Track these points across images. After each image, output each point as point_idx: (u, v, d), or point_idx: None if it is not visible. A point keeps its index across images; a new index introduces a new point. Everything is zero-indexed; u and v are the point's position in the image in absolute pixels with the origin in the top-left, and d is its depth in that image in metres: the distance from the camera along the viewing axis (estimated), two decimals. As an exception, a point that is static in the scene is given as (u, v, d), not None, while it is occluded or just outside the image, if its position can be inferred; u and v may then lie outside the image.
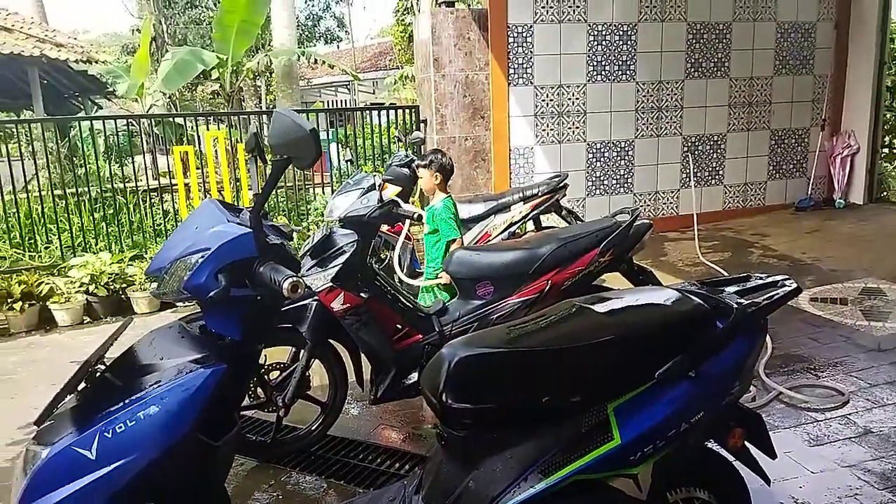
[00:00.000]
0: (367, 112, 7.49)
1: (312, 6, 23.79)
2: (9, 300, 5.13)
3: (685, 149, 7.37)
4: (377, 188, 2.91)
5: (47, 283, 5.40)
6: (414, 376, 3.06)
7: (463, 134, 6.52)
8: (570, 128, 6.87)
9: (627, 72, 6.97)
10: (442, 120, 6.43)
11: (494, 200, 4.86)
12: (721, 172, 7.58)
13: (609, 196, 7.14)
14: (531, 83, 6.64)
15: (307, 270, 2.95)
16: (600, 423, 1.61)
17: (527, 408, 1.63)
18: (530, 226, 5.05)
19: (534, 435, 1.62)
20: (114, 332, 1.55)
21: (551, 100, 6.75)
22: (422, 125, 6.65)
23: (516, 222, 4.76)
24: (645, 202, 7.30)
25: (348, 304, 2.88)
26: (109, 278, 5.48)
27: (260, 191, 1.44)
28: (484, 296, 3.04)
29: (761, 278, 1.98)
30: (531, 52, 6.59)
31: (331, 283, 2.86)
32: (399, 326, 3.03)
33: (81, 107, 13.72)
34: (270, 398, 3.00)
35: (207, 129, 7.83)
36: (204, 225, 1.45)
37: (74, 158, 8.70)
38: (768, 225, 7.37)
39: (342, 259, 2.88)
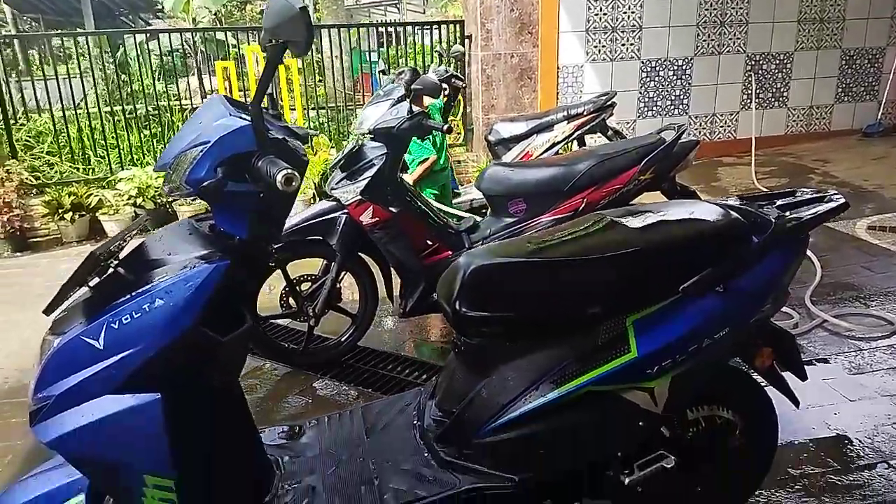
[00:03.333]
0: (410, 29, 7.24)
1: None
2: (59, 211, 5.30)
3: (748, 68, 6.93)
4: (408, 99, 2.82)
5: (96, 195, 5.54)
6: (444, 292, 3.05)
7: (509, 50, 6.27)
8: (623, 44, 6.53)
9: (689, -17, 6.51)
10: (487, 35, 6.19)
11: (537, 119, 4.69)
12: (785, 94, 7.14)
13: (662, 118, 6.83)
14: (583, -5, 6.29)
15: (336, 183, 2.92)
16: (618, 336, 1.55)
17: (543, 319, 1.59)
18: (574, 147, 4.89)
19: (548, 345, 1.58)
20: (126, 229, 1.55)
21: (605, 14, 6.39)
22: (466, 41, 6.42)
23: (559, 142, 4.59)
24: (701, 125, 6.97)
25: (377, 218, 2.85)
26: (156, 191, 5.59)
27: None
28: (516, 213, 2.96)
29: (807, 192, 1.85)
30: (584, -39, 6.21)
31: (360, 196, 2.83)
32: (429, 242, 2.99)
33: (132, 24, 13.77)
34: (302, 308, 3.04)
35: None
36: (208, 119, 1.41)
37: (124, 76, 8.78)
38: (832, 151, 6.97)
39: (371, 172, 2.83)
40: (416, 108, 2.80)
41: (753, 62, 6.94)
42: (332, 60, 9.01)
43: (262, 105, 1.42)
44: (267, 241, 1.55)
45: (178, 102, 7.38)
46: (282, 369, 3.14)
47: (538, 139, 4.65)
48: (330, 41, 9.45)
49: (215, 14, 9.31)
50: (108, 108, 6.79)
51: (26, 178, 5.65)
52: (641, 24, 6.52)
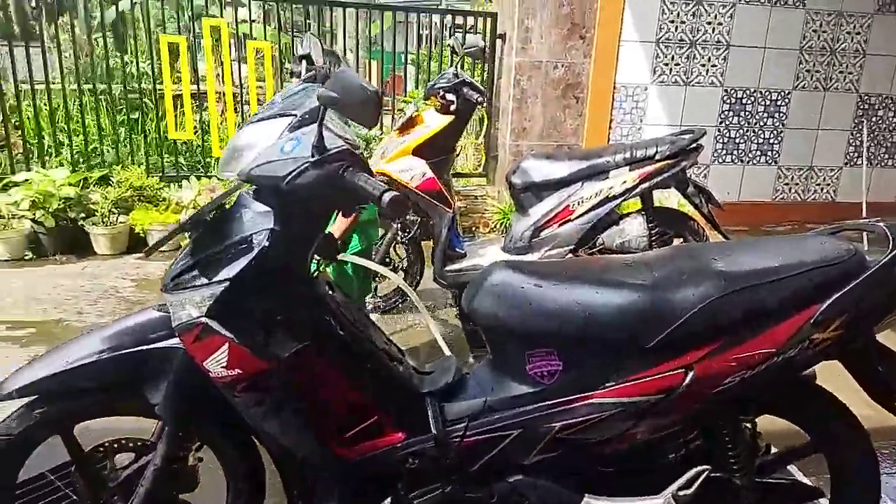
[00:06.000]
0: (434, 20, 5.74)
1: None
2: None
3: (859, 112, 5.33)
4: (321, 114, 1.27)
5: (-16, 201, 4.12)
6: (385, 504, 1.51)
7: (553, 58, 4.74)
8: (702, 64, 4.97)
9: (798, -8, 4.95)
10: (526, 36, 4.66)
11: (586, 159, 3.16)
12: (903, 149, 5.53)
13: (743, 166, 5.25)
14: (658, -5, 4.76)
15: (173, 278, 1.41)
16: None
17: None
18: (633, 206, 3.36)
19: None
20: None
21: (683, 22, 4.84)
22: (497, 41, 4.92)
23: (615, 197, 3.06)
24: (792, 179, 5.37)
25: (238, 371, 1.33)
26: (62, 204, 4.15)
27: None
28: (539, 376, 1.42)
29: None
30: (665, -50, 4.68)
31: (204, 320, 1.31)
32: (358, 410, 1.46)
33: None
34: (105, 507, 1.54)
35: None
36: None
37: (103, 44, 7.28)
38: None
39: (237, 266, 1.31)
40: (334, 139, 1.27)
41: (867, 105, 5.34)
42: (345, 52, 7.57)
43: None
44: None
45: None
46: None
47: (585, 189, 3.12)
48: (344, 32, 8.02)
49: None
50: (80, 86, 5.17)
51: None
52: (729, 40, 4.96)
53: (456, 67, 3.14)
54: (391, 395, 1.48)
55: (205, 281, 1.35)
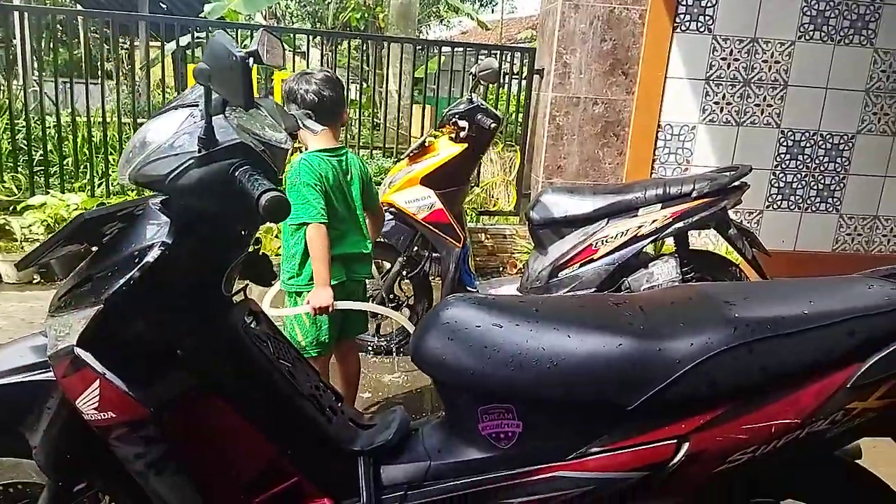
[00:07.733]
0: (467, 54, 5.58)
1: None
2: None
3: (934, 158, 4.85)
4: (206, 97, 1.03)
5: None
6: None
7: (592, 94, 4.48)
8: (757, 104, 4.61)
9: (864, 31, 4.56)
10: (565, 71, 4.43)
11: (612, 195, 2.87)
12: (985, 202, 4.98)
13: (800, 213, 4.81)
14: (709, 31, 4.46)
15: (60, 298, 1.20)
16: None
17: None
18: (667, 248, 3.03)
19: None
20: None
21: (737, 59, 4.52)
22: (535, 77, 4.70)
23: (644, 237, 2.75)
24: (855, 229, 4.89)
25: (112, 415, 1.08)
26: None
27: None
28: (493, 438, 1.13)
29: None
30: (716, -17, 4.40)
31: (75, 352, 1.08)
32: (273, 469, 1.19)
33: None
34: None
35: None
36: None
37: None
38: None
39: (112, 288, 1.08)
40: (229, 132, 1.04)
41: (943, 151, 4.85)
42: (401, 91, 7.43)
43: None
44: None
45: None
46: None
47: (610, 227, 2.82)
48: (389, 72, 8.00)
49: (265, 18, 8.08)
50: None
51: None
52: (787, 79, 4.60)
53: (472, 93, 2.92)
54: (315, 451, 1.21)
55: (92, 301, 1.13)
